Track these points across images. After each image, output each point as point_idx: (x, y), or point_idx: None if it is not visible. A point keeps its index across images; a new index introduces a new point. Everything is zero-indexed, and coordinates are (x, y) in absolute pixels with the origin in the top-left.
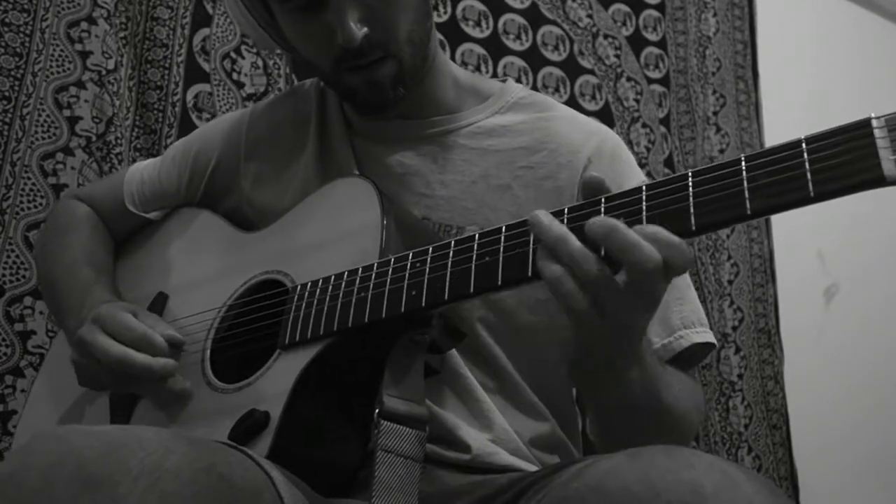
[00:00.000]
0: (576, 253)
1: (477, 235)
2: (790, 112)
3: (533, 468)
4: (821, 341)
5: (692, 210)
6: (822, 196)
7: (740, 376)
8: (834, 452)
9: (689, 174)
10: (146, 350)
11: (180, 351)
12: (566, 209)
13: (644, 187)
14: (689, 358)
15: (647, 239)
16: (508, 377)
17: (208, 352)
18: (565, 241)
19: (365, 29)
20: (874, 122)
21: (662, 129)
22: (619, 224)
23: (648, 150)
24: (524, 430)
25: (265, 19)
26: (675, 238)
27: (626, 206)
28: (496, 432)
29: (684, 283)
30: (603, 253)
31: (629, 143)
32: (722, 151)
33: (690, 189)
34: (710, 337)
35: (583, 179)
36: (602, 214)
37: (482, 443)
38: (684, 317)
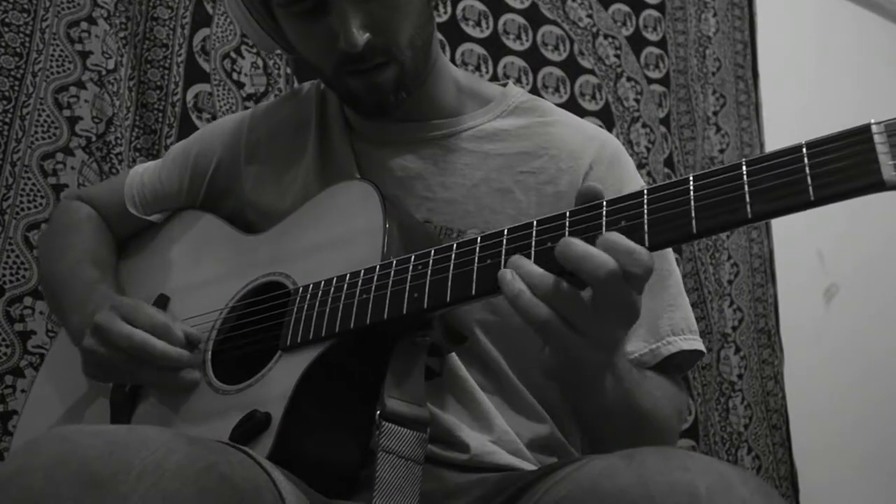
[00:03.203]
0: (534, 273)
1: (479, 238)
2: (790, 112)
3: (532, 468)
4: (821, 341)
5: (693, 214)
6: (822, 200)
7: (740, 376)
8: (834, 452)
9: (691, 178)
10: (164, 339)
11: (195, 349)
12: (567, 213)
13: (645, 191)
14: (677, 364)
15: (603, 247)
16: (506, 379)
17: (209, 353)
18: (519, 264)
19: (367, 34)
20: (874, 128)
21: (662, 129)
22: (571, 239)
23: (648, 150)
24: (523, 431)
25: (267, 21)
26: (632, 245)
27: (627, 209)
28: (497, 433)
29: (676, 289)
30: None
31: (629, 143)
32: (722, 151)
33: (692, 193)
34: (697, 344)
35: (582, 187)
36: (604, 218)
37: (482, 443)
38: (674, 324)
